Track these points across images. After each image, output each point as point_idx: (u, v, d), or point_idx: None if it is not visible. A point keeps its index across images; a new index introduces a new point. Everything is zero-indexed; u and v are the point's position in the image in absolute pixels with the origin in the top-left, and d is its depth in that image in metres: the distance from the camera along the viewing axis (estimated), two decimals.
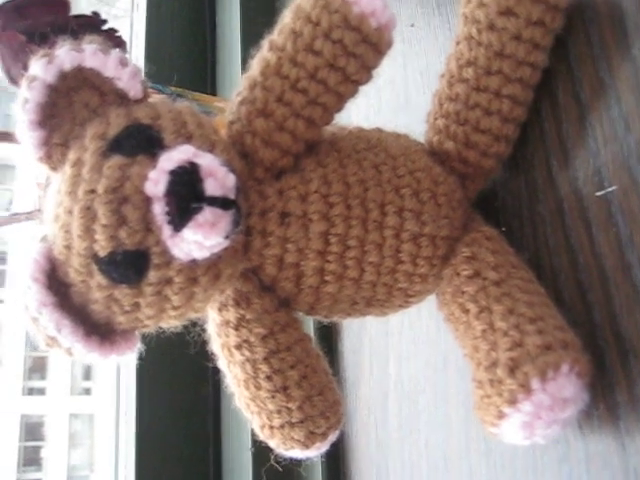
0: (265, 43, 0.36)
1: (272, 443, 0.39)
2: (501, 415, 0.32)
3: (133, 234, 0.31)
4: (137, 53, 0.84)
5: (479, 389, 0.34)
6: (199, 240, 0.31)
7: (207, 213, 0.30)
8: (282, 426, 0.38)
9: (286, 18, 0.36)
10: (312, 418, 0.38)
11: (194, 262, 0.32)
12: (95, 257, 0.31)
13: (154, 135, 0.32)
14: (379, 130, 0.41)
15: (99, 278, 0.32)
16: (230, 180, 0.31)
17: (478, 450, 0.42)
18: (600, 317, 0.34)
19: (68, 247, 0.32)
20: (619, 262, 0.33)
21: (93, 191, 0.31)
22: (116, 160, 0.31)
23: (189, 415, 0.76)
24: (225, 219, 0.31)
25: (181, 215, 0.30)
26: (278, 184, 0.36)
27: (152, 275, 0.32)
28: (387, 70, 0.53)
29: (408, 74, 0.54)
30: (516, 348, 0.32)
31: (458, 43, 0.40)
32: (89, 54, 0.33)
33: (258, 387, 0.37)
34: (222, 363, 0.39)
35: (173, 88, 0.55)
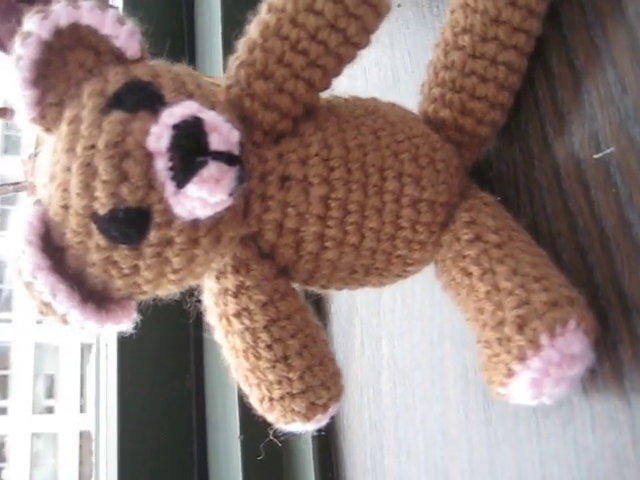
0: (263, 6, 0.36)
1: (271, 417, 0.38)
2: (510, 373, 0.32)
3: (135, 190, 0.30)
4: None
5: (487, 349, 0.33)
6: (203, 196, 0.30)
7: (212, 168, 0.29)
8: (282, 397, 0.37)
9: None
10: (313, 389, 0.37)
11: (196, 222, 0.31)
12: (94, 216, 0.30)
13: (155, 92, 0.32)
14: (375, 99, 0.40)
15: (98, 238, 0.31)
16: (234, 136, 0.31)
17: (478, 420, 0.42)
18: (602, 277, 0.34)
19: (65, 207, 0.31)
20: (619, 221, 0.34)
21: (93, 147, 0.30)
22: (116, 115, 0.30)
23: (171, 410, 0.75)
24: (230, 175, 0.30)
25: (185, 170, 0.29)
26: (277, 148, 0.36)
27: (153, 235, 0.31)
28: (374, 51, 0.53)
29: (395, 54, 0.54)
30: (523, 306, 0.32)
31: (453, 12, 0.40)
32: (86, 10, 0.32)
33: (258, 357, 0.36)
34: (219, 334, 0.38)
35: None
